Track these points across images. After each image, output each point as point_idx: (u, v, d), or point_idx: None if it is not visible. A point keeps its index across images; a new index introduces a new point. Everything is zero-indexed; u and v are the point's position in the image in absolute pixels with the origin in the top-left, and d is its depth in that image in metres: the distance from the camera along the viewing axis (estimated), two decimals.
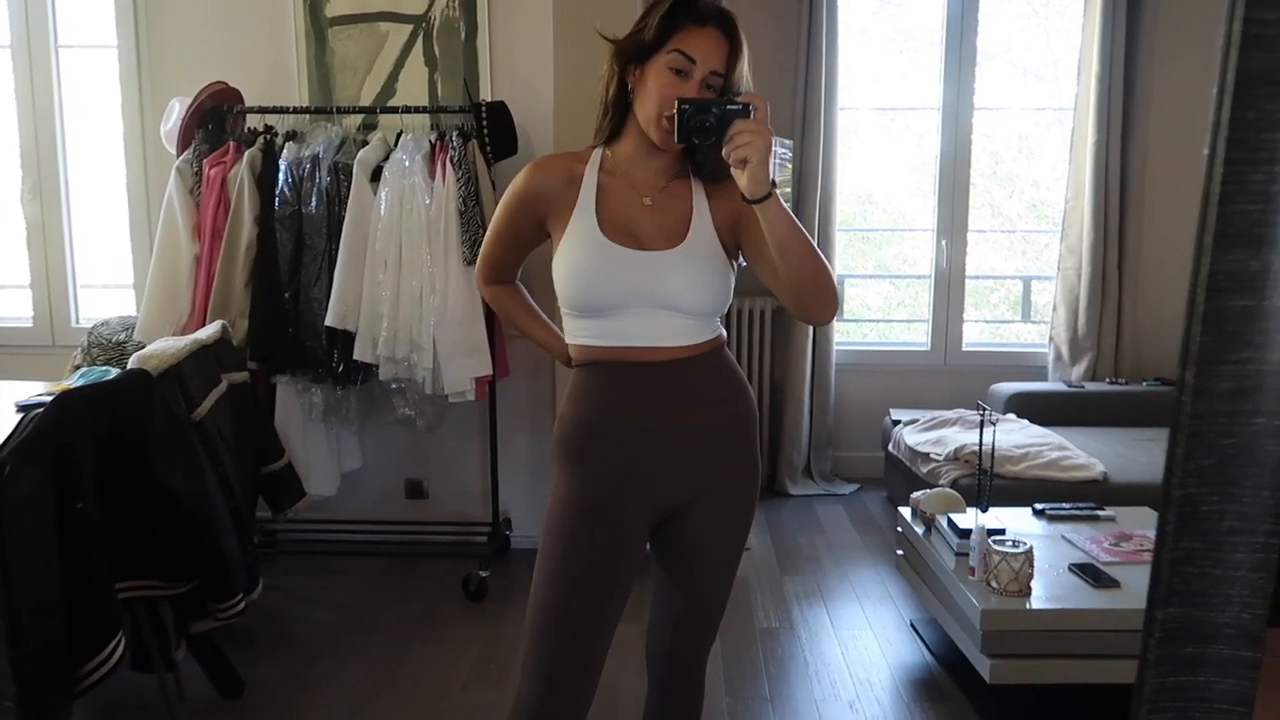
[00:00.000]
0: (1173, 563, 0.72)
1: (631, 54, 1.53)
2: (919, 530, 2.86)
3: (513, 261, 1.76)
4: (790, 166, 4.26)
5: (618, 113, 1.58)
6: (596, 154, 1.62)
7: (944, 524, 2.74)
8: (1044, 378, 4.51)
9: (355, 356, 3.06)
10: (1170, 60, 4.31)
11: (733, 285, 1.61)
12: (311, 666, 2.77)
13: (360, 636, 2.96)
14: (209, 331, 2.64)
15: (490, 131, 3.14)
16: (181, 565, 2.23)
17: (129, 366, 2.27)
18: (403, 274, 3.04)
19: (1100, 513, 2.94)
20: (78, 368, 3.04)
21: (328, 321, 3.03)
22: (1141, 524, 2.87)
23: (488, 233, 1.74)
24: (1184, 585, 0.72)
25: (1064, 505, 2.98)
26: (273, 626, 3.01)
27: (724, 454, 1.61)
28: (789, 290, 1.50)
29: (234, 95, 3.28)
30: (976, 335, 4.80)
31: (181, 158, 3.19)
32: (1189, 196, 4.32)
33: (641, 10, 1.54)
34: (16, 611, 1.73)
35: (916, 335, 4.82)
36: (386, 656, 2.83)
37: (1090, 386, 4.27)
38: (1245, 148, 0.66)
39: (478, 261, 1.80)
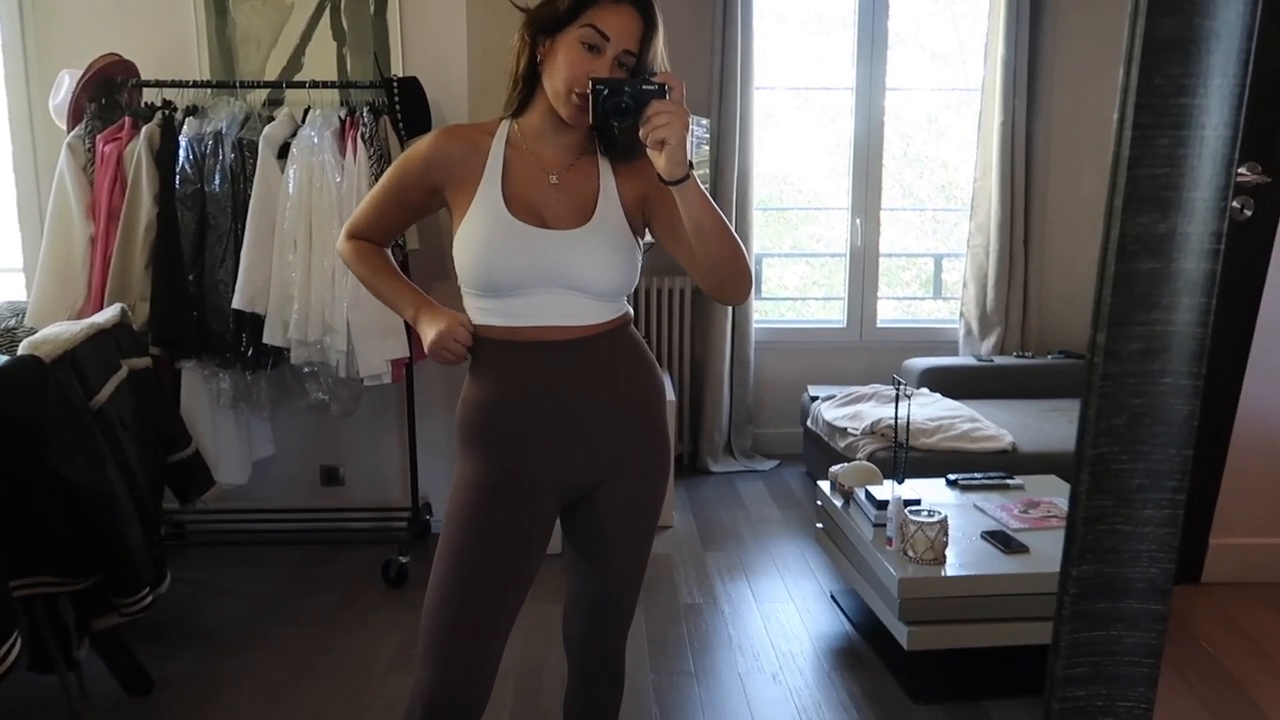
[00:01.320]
0: (1085, 521, 0.74)
1: (543, 24, 1.49)
2: (837, 503, 2.91)
3: (390, 228, 1.67)
4: (708, 146, 4.27)
5: (527, 85, 1.54)
6: (504, 127, 1.57)
7: (862, 496, 2.79)
8: (955, 353, 4.63)
9: (265, 340, 2.96)
10: (1072, 42, 4.44)
11: (639, 264, 1.59)
12: (225, 660, 2.69)
13: (277, 627, 2.88)
14: (107, 315, 2.52)
15: (403, 107, 3.06)
16: (82, 559, 2.13)
17: (19, 353, 2.15)
18: (313, 254, 2.95)
19: (1010, 482, 3.03)
20: None
21: (235, 304, 2.92)
22: (1049, 491, 2.97)
23: (366, 197, 1.67)
24: (1096, 543, 0.74)
25: (975, 475, 3.06)
26: (184, 621, 2.91)
27: (631, 433, 1.59)
28: (705, 271, 1.49)
29: (128, 68, 3.13)
30: (890, 312, 4.90)
31: (73, 133, 3.03)
32: (1092, 176, 4.50)
33: None
34: None
35: (832, 313, 4.90)
36: (305, 647, 2.76)
37: (999, 360, 4.41)
38: (1152, 112, 0.67)
39: (346, 223, 1.69)
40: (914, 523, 2.46)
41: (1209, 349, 0.69)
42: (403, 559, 3.15)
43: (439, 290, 3.01)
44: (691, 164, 1.40)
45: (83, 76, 3.01)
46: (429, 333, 1.54)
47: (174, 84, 3.10)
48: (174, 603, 2.85)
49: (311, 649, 2.74)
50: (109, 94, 3.08)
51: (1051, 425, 3.78)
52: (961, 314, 4.64)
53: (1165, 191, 0.67)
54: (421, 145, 1.57)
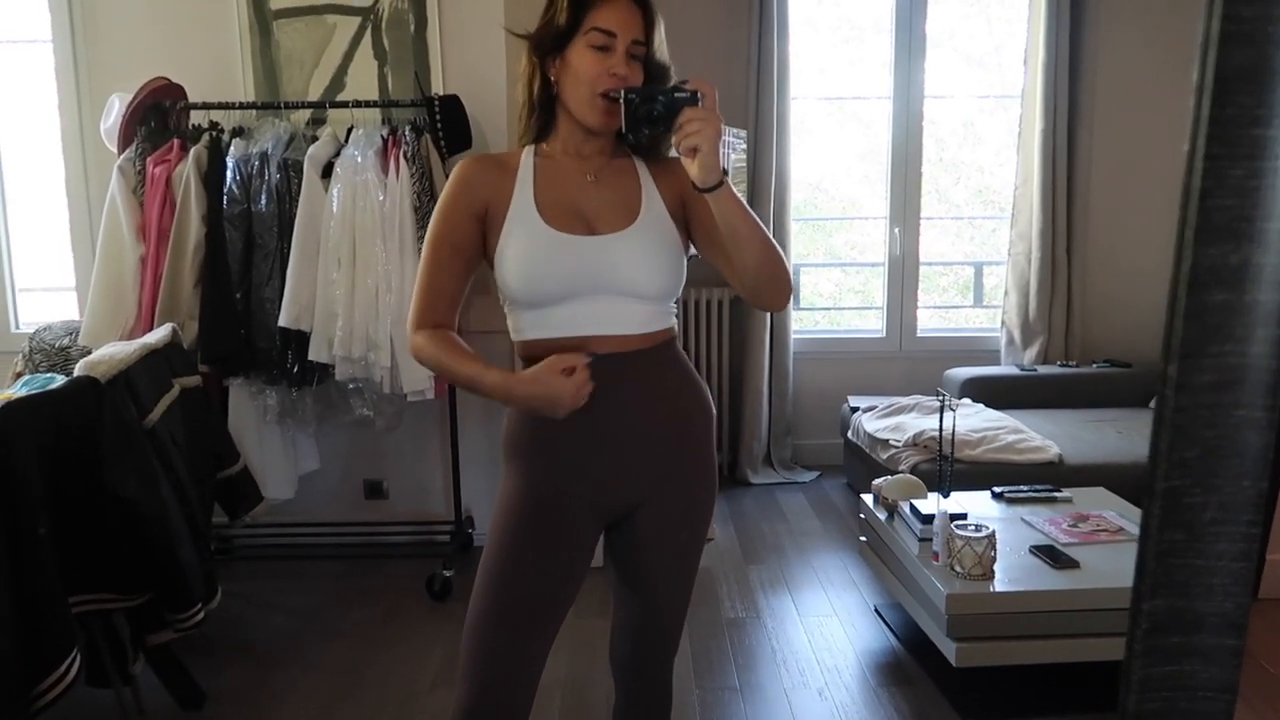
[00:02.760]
0: (1158, 555, 0.73)
1: (548, 44, 1.50)
2: (881, 516, 2.89)
3: (451, 289, 1.55)
4: (745, 155, 4.27)
5: (544, 111, 1.54)
6: (528, 150, 1.57)
7: (906, 510, 2.77)
8: (997, 362, 4.58)
9: (310, 357, 3.00)
10: (1114, 47, 4.39)
11: (685, 269, 1.57)
12: (274, 674, 2.72)
13: (323, 641, 2.92)
14: (158, 335, 2.57)
15: (444, 125, 3.10)
16: (137, 576, 2.18)
17: (75, 373, 2.20)
18: (357, 271, 2.99)
19: (1057, 494, 2.99)
20: (19, 375, 2.95)
21: (281, 321, 2.97)
22: (1097, 504, 2.93)
23: (420, 270, 1.56)
24: (1168, 577, 0.73)
25: (1022, 488, 3.03)
26: (233, 635, 2.95)
27: (676, 453, 1.57)
28: (743, 277, 1.48)
29: (176, 91, 3.19)
30: (929, 321, 4.86)
31: (123, 156, 3.10)
32: (1136, 181, 4.44)
33: None
34: None
35: (870, 322, 4.87)
36: (351, 660, 2.79)
37: (1042, 370, 4.35)
38: (1224, 143, 0.66)
39: (409, 317, 1.57)
40: (961, 538, 2.43)
41: None
42: (446, 573, 3.17)
43: (479, 304, 3.02)
44: (726, 170, 1.40)
45: (133, 100, 3.08)
46: (542, 393, 1.44)
47: (220, 106, 3.16)
48: (222, 617, 2.89)
49: (358, 663, 2.77)
50: (158, 117, 3.14)
51: (1098, 435, 3.72)
52: (1003, 322, 4.59)
53: (1238, 223, 0.66)
54: (450, 182, 1.55)
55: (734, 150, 4.07)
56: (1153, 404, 3.60)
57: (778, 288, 1.49)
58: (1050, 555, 2.53)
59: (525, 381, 1.46)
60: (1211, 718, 0.76)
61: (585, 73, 1.46)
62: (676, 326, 1.62)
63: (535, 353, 1.53)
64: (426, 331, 1.54)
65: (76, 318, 3.25)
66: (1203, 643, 0.74)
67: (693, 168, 1.38)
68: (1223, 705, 0.75)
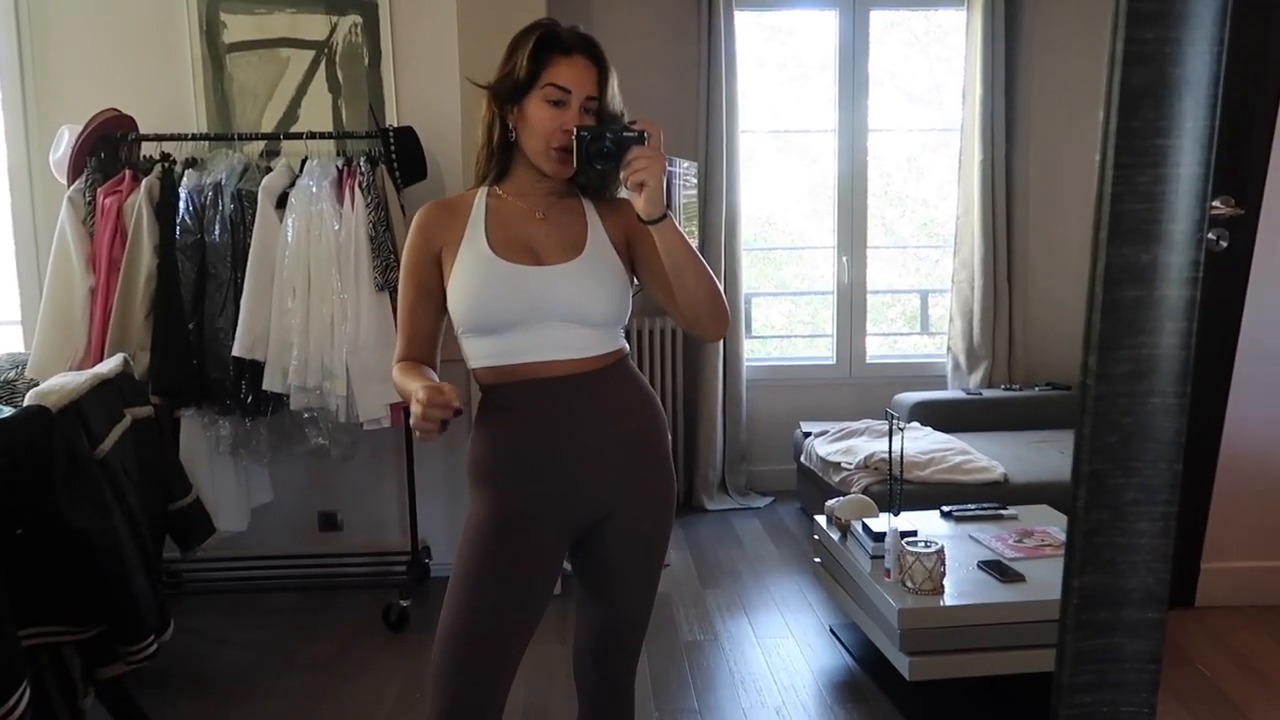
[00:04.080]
0: (1085, 534, 0.78)
1: (507, 95, 1.59)
2: (835, 537, 2.94)
3: (425, 328, 1.63)
4: (695, 188, 4.35)
5: (502, 155, 1.63)
6: (482, 190, 1.66)
7: (859, 529, 2.83)
8: (943, 386, 4.70)
9: (265, 386, 2.99)
10: (1046, 84, 4.58)
11: (631, 298, 1.65)
12: (228, 708, 2.68)
13: (278, 675, 2.88)
14: (110, 365, 2.55)
15: (399, 156, 3.13)
16: (89, 608, 2.14)
17: (26, 403, 2.17)
18: (312, 301, 2.99)
19: (1003, 512, 3.08)
20: None
21: (235, 351, 2.95)
22: (1041, 520, 3.01)
23: (398, 313, 1.65)
24: (1095, 554, 0.78)
25: (969, 506, 3.11)
26: (185, 669, 2.90)
27: (635, 465, 1.63)
28: (683, 308, 1.57)
29: (127, 122, 3.18)
30: (877, 349, 4.97)
31: (74, 187, 3.07)
32: (1069, 208, 4.61)
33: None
34: None
35: (821, 350, 4.96)
36: (307, 693, 2.75)
37: (987, 393, 4.47)
38: (1131, 153, 0.73)
39: (397, 345, 1.65)
40: (911, 553, 2.50)
41: (1193, 373, 0.75)
42: (403, 603, 3.15)
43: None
44: (669, 205, 1.49)
45: (83, 132, 3.07)
46: (414, 407, 1.45)
47: (173, 137, 3.16)
48: (175, 651, 2.84)
49: (313, 696, 2.74)
50: (109, 148, 3.13)
51: (1041, 455, 3.83)
52: (949, 348, 4.71)
53: (1146, 225, 0.73)
54: (410, 232, 1.64)
55: (686, 185, 4.16)
56: None
57: (716, 317, 1.57)
58: (998, 570, 2.60)
59: (414, 394, 1.46)
60: (1139, 688, 0.81)
61: (540, 126, 1.56)
62: (626, 346, 1.68)
63: (489, 379, 1.60)
64: (399, 365, 1.63)
65: (22, 350, 3.20)
66: (1129, 616, 0.79)
67: (639, 201, 1.48)
68: (1149, 676, 0.81)
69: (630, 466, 1.63)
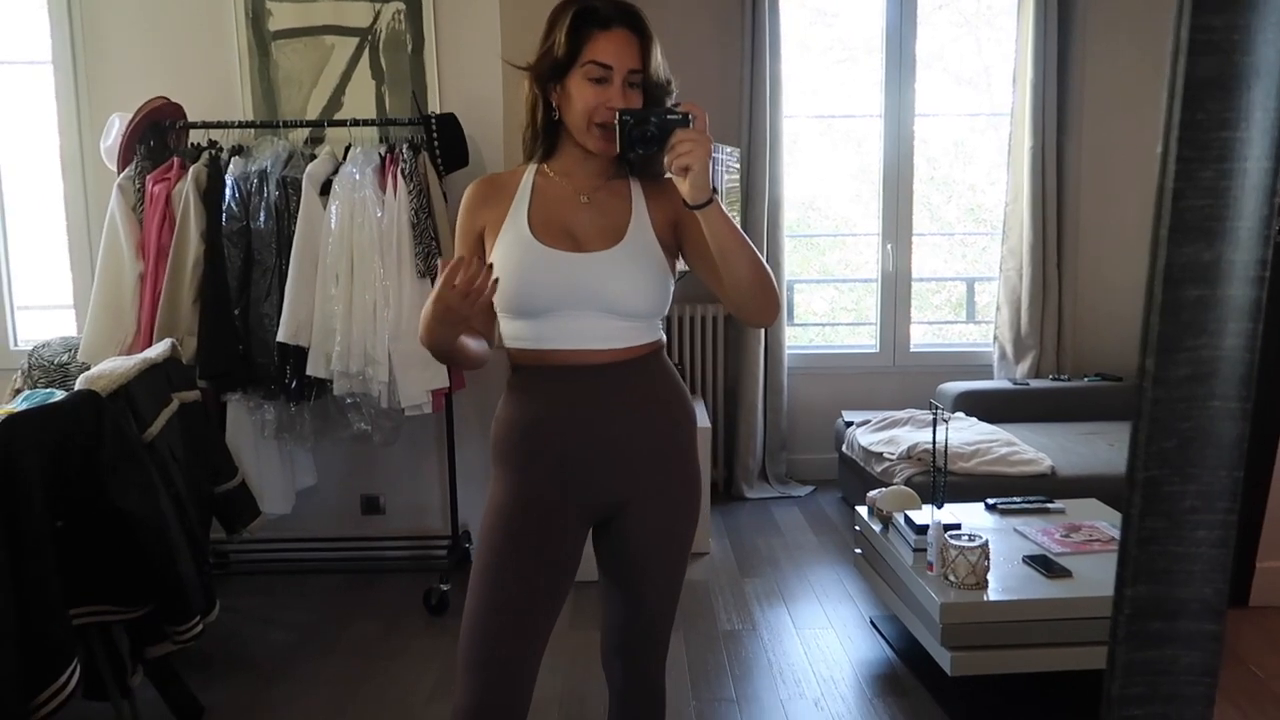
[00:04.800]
0: (1139, 542, 0.76)
1: (548, 74, 1.55)
2: (876, 528, 2.91)
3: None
4: (739, 174, 4.31)
5: (547, 135, 1.60)
6: (530, 167, 1.64)
7: (901, 521, 2.79)
8: (989, 376, 4.62)
9: (308, 372, 3.02)
10: (1101, 65, 4.46)
11: (672, 289, 1.62)
12: (271, 688, 2.73)
13: (320, 656, 2.92)
14: (158, 350, 2.59)
15: (441, 143, 3.13)
16: (137, 588, 2.18)
17: (76, 387, 2.22)
18: (355, 287, 3.02)
19: (1050, 506, 3.02)
20: (18, 391, 2.96)
21: (280, 337, 2.99)
22: (1089, 515, 2.95)
23: None
24: (1149, 564, 0.76)
25: (1015, 499, 3.05)
26: (230, 649, 2.96)
27: (659, 456, 1.61)
28: (732, 294, 1.53)
29: (176, 110, 3.23)
30: (922, 337, 4.90)
31: (123, 174, 3.12)
32: (1124, 196, 4.49)
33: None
34: None
35: (863, 338, 4.91)
36: (348, 675, 2.79)
37: (1034, 383, 4.39)
38: (1195, 146, 0.70)
39: None
40: (955, 547, 2.46)
41: (1256, 374, 0.71)
42: (444, 587, 3.18)
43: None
44: (716, 190, 1.45)
45: (132, 119, 3.11)
46: (430, 307, 1.44)
47: (220, 125, 3.20)
48: (219, 632, 2.89)
49: (355, 677, 2.78)
50: (158, 136, 3.18)
51: (1090, 448, 3.75)
52: (995, 337, 4.63)
53: (1210, 222, 0.69)
54: (462, 204, 1.64)
55: (728, 170, 4.12)
56: None
57: (766, 304, 1.53)
58: (1044, 565, 2.55)
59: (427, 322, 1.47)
60: (1193, 702, 0.78)
61: (583, 104, 1.52)
62: (663, 339, 1.67)
63: (523, 361, 1.60)
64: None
65: (74, 334, 3.27)
66: (1183, 628, 0.76)
67: (684, 186, 1.44)
68: (1203, 690, 0.78)
69: (653, 459, 1.61)
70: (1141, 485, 0.75)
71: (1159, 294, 0.73)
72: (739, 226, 1.50)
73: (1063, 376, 4.47)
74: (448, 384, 3.11)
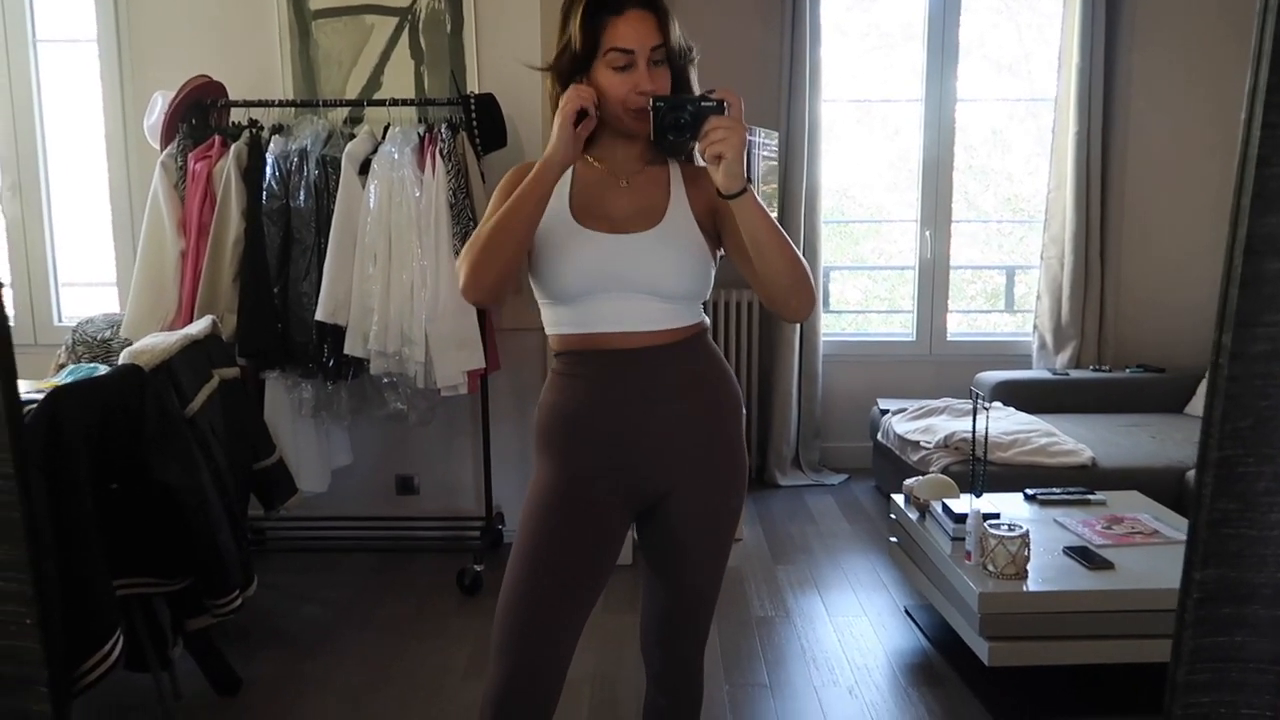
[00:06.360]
0: (1210, 524, 0.73)
1: (570, 72, 1.52)
2: (913, 516, 2.88)
3: None
4: (776, 156, 4.27)
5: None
6: None
7: (939, 509, 2.76)
8: (1027, 366, 4.55)
9: (346, 351, 3.03)
10: (1149, 50, 4.36)
11: (712, 273, 1.60)
12: (307, 663, 2.75)
13: (355, 632, 2.94)
14: (199, 327, 2.61)
15: (479, 123, 3.13)
16: (178, 561, 2.21)
17: (120, 362, 2.24)
18: (393, 267, 3.02)
19: (1091, 497, 2.97)
20: (62, 366, 3.00)
21: (318, 316, 3.00)
22: (1131, 507, 2.90)
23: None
24: (1221, 546, 0.73)
25: (1055, 490, 3.01)
26: (266, 624, 2.99)
27: (704, 441, 1.59)
28: (766, 285, 1.50)
29: (218, 89, 3.25)
30: (957, 326, 4.84)
31: (166, 152, 3.15)
32: (1170, 185, 4.40)
33: None
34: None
35: (897, 326, 4.85)
36: (382, 652, 2.81)
37: (1075, 374, 4.32)
38: None
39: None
40: (994, 536, 2.42)
41: None
42: (477, 568, 3.19)
43: (512, 301, 3.05)
44: (750, 178, 1.42)
45: (175, 98, 3.13)
46: (555, 136, 1.45)
47: (260, 104, 3.21)
48: (256, 607, 2.92)
49: (389, 654, 2.80)
50: (200, 114, 3.20)
51: (1131, 440, 3.69)
52: (1035, 326, 4.56)
53: None
54: (503, 182, 1.59)
55: (766, 154, 4.08)
56: (1187, 409, 3.58)
57: (800, 297, 1.50)
58: (1084, 556, 2.51)
59: (550, 143, 1.46)
60: (1261, 690, 0.76)
61: (613, 93, 1.50)
62: (706, 322, 1.64)
63: (565, 346, 1.59)
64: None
65: (117, 311, 3.30)
66: (1254, 614, 0.74)
67: (717, 174, 1.42)
68: (1274, 678, 0.75)
69: (700, 442, 1.59)
70: (1214, 465, 0.73)
71: (1238, 266, 0.70)
72: (774, 214, 1.47)
73: (1104, 367, 4.40)
74: (484, 365, 3.12)
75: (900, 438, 3.84)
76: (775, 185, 4.28)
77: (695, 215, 1.57)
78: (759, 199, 1.45)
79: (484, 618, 2.96)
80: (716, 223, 1.58)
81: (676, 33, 1.53)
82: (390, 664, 2.74)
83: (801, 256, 1.49)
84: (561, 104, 1.46)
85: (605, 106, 1.52)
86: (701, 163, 1.47)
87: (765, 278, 1.49)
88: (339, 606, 3.14)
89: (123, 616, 2.11)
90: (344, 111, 3.34)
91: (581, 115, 1.46)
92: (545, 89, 1.60)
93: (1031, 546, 2.47)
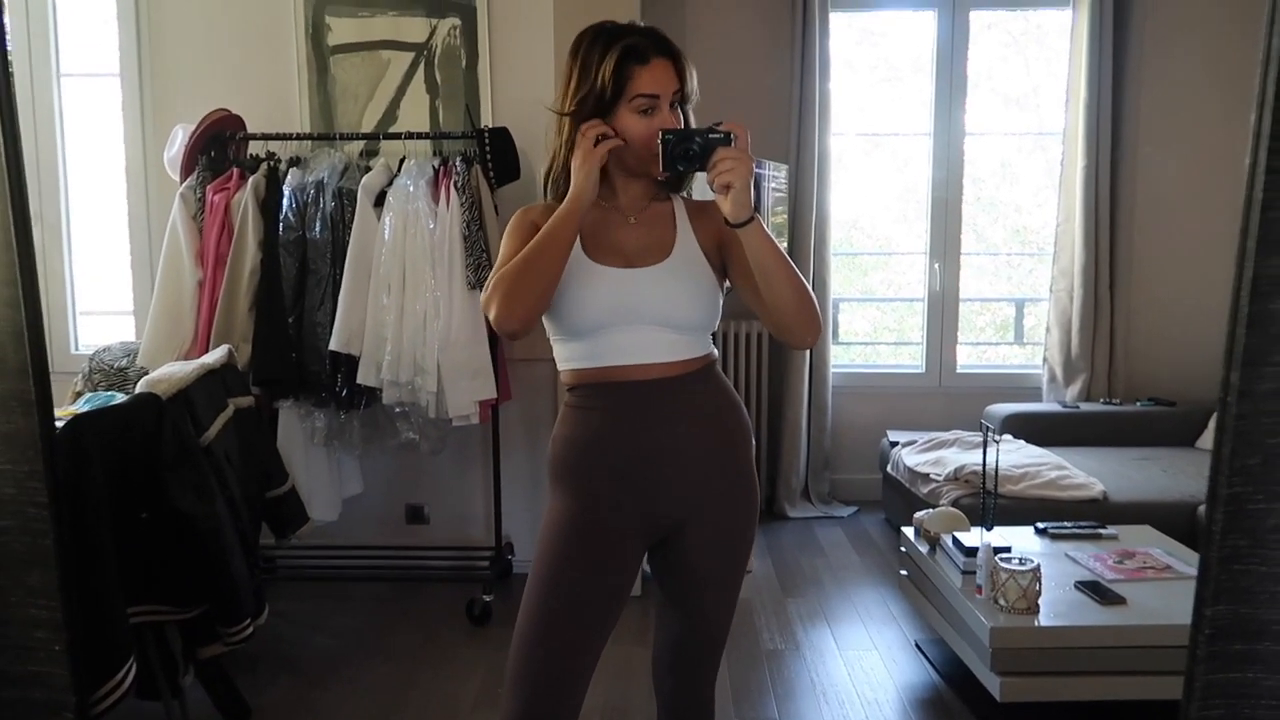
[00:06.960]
0: (1220, 560, 0.74)
1: (589, 115, 1.55)
2: (923, 549, 2.87)
3: None
4: (785, 192, 4.31)
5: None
6: None
7: (949, 543, 2.75)
8: (1037, 399, 4.55)
9: (359, 380, 3.06)
10: (1157, 85, 4.40)
11: (720, 303, 1.63)
12: (317, 692, 2.75)
13: (365, 661, 2.94)
14: (216, 356, 2.64)
15: (493, 156, 3.17)
16: (192, 589, 2.22)
17: (138, 390, 2.27)
18: (406, 298, 3.06)
19: (1102, 531, 2.96)
20: (79, 394, 3.03)
21: (332, 345, 3.03)
22: (1143, 541, 2.89)
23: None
24: (1231, 583, 0.74)
25: (1066, 524, 3.00)
26: (277, 653, 2.99)
27: (717, 471, 1.61)
28: (773, 313, 1.54)
29: (236, 122, 3.30)
30: (966, 358, 4.84)
31: (185, 184, 3.20)
32: (1179, 218, 4.42)
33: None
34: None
35: (906, 358, 4.86)
36: (392, 682, 2.81)
37: (1085, 407, 4.32)
38: None
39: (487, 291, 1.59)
40: (1006, 570, 2.42)
41: None
42: (487, 598, 3.19)
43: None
44: (759, 209, 1.46)
45: (195, 131, 3.19)
46: (578, 171, 1.51)
47: (278, 136, 3.27)
48: (267, 635, 2.91)
49: (399, 684, 2.79)
50: (219, 147, 3.25)
51: (1143, 474, 3.68)
52: (1045, 360, 4.56)
53: None
54: (515, 219, 1.61)
55: (774, 182, 4.11)
56: (1199, 442, 3.58)
57: (806, 324, 1.53)
58: (1096, 591, 2.50)
59: (575, 179, 1.52)
60: None
61: (637, 135, 1.54)
62: (715, 353, 1.67)
63: (579, 380, 1.61)
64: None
65: (134, 340, 3.34)
66: (1266, 650, 0.75)
67: (725, 204, 1.47)
68: None
69: (713, 473, 1.61)
70: (1224, 502, 0.74)
71: (1245, 305, 0.71)
72: (784, 245, 1.50)
73: (1114, 400, 4.39)
74: (495, 395, 3.14)
75: (910, 470, 3.84)
76: (785, 215, 4.31)
77: (702, 247, 1.61)
78: (766, 228, 1.49)
79: (493, 648, 2.95)
80: (722, 254, 1.62)
81: (692, 76, 1.59)
82: (400, 694, 2.74)
83: (807, 284, 1.52)
84: (582, 143, 1.51)
85: (628, 147, 1.56)
86: (710, 194, 1.51)
87: (772, 305, 1.52)
88: (349, 635, 3.14)
89: (135, 644, 2.12)
90: (360, 144, 3.39)
91: (600, 139, 1.51)
92: (550, 126, 1.63)
93: (1043, 581, 2.46)
